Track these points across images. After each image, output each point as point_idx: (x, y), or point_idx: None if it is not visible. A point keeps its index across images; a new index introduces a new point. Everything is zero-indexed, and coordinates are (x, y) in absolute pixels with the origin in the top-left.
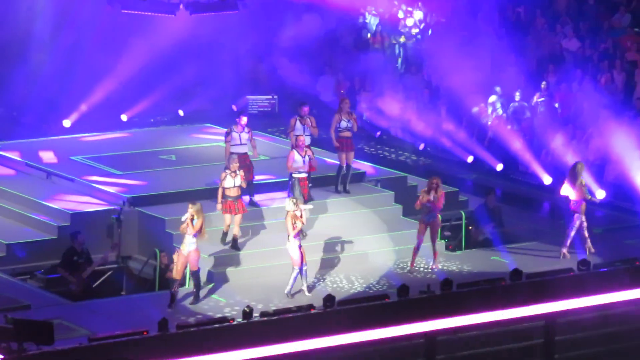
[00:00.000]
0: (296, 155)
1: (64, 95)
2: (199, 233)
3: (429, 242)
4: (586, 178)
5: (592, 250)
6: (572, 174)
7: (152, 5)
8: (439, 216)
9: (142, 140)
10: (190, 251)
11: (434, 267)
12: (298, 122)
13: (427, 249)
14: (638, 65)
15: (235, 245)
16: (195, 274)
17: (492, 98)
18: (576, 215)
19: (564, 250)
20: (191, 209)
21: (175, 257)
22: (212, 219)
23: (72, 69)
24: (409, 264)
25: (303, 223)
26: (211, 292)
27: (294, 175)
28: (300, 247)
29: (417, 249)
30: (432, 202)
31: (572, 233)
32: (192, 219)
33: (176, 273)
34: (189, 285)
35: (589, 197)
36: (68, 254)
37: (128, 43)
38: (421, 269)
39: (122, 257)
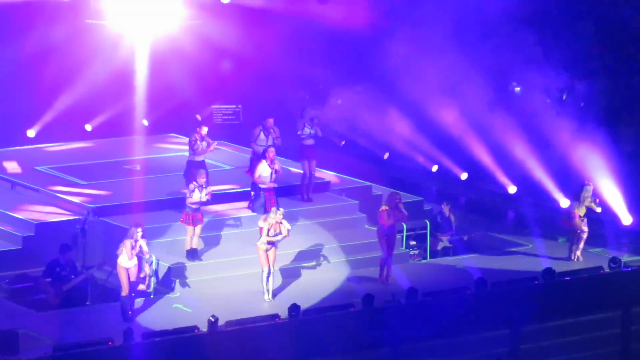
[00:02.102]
0: (265, 168)
1: (28, 106)
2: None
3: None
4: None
5: (581, 259)
6: (579, 195)
7: None
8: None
9: (106, 150)
10: (132, 265)
11: (387, 282)
12: (262, 134)
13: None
14: (600, 74)
15: (195, 255)
16: (133, 285)
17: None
18: (580, 232)
19: (578, 252)
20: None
21: (119, 272)
22: (175, 228)
23: (36, 78)
24: (377, 276)
25: (286, 236)
26: (176, 301)
27: (260, 186)
28: (267, 250)
29: (384, 262)
30: (398, 216)
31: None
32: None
33: (124, 290)
34: (153, 296)
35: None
36: (51, 265)
37: (92, 52)
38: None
39: (86, 267)
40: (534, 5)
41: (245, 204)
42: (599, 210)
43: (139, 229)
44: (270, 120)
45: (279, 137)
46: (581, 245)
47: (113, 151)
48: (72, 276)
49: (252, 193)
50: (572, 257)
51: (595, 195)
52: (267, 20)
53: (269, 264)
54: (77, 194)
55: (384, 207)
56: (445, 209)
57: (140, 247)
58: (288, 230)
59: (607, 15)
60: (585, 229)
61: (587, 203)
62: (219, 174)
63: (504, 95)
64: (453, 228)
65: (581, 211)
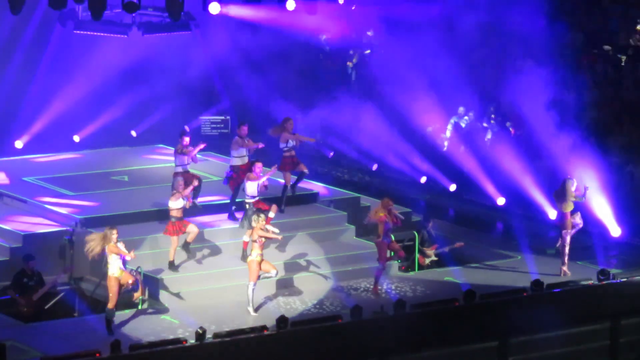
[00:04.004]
0: (252, 183)
1: (15, 116)
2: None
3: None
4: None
5: (568, 273)
6: (563, 190)
7: (105, 26)
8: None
9: (94, 161)
10: (124, 274)
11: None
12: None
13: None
14: (590, 85)
15: (187, 249)
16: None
17: (453, 119)
18: (564, 231)
19: (564, 267)
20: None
21: (111, 284)
22: (162, 239)
23: (23, 89)
24: (372, 287)
25: (279, 238)
26: (164, 313)
27: (246, 200)
28: (261, 262)
29: (381, 272)
30: (396, 221)
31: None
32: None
33: (112, 302)
34: (141, 306)
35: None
36: (18, 276)
37: (80, 63)
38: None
39: (74, 278)
40: (523, 17)
41: (239, 215)
42: (583, 199)
43: (114, 230)
44: (244, 128)
45: (252, 145)
46: (565, 259)
47: (101, 162)
48: (39, 285)
49: (233, 207)
50: (562, 272)
51: (578, 188)
52: (256, 31)
53: (257, 278)
54: (65, 205)
55: (381, 214)
56: (430, 225)
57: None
58: (272, 232)
59: (596, 27)
60: (568, 238)
61: (572, 198)
62: (206, 185)
63: (493, 105)
64: (437, 242)
65: (569, 208)
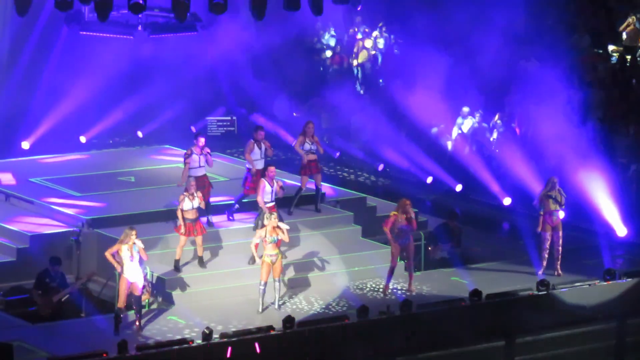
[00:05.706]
0: (267, 187)
1: (22, 117)
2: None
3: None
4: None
5: (560, 273)
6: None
7: (111, 27)
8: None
9: (101, 161)
10: (136, 277)
11: (410, 290)
12: (255, 146)
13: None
14: (596, 85)
15: (202, 264)
16: (138, 299)
17: (459, 120)
18: (541, 231)
19: (540, 271)
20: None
21: (122, 284)
22: (169, 240)
23: (30, 90)
24: (383, 287)
25: (286, 240)
26: (170, 313)
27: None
28: (272, 262)
29: (391, 272)
30: (408, 224)
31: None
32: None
33: (121, 302)
34: (148, 307)
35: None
36: (41, 276)
37: (86, 64)
38: (380, 290)
39: (78, 278)
40: (530, 18)
41: (243, 216)
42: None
43: (134, 231)
44: (261, 133)
45: (270, 149)
46: (544, 262)
47: (107, 163)
48: (61, 288)
49: (237, 207)
50: (543, 267)
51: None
52: (262, 32)
53: (267, 278)
54: (72, 206)
55: (393, 213)
56: (452, 221)
57: (139, 252)
58: (286, 231)
59: (602, 28)
60: (546, 237)
61: (547, 197)
62: (214, 185)
63: (500, 106)
64: (455, 240)
65: (547, 207)
